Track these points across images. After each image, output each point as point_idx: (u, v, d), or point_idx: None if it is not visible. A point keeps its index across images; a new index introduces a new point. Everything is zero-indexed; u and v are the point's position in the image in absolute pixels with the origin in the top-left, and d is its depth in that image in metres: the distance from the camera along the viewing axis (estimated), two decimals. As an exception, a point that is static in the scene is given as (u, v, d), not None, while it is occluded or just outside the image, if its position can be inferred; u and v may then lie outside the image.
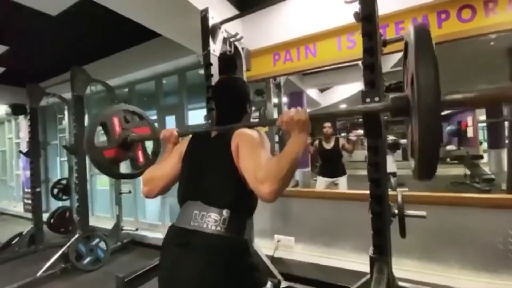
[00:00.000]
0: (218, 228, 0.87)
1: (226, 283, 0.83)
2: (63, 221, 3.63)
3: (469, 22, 1.77)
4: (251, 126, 1.01)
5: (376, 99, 1.18)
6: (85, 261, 2.63)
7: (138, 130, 1.63)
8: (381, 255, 1.22)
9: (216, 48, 1.86)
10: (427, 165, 0.69)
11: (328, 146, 3.27)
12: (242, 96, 1.11)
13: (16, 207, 5.30)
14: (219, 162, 0.95)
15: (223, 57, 2.08)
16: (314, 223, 2.35)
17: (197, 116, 3.29)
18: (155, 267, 1.32)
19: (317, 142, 3.39)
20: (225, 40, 2.01)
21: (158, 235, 3.14)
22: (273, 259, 2.31)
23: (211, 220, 0.88)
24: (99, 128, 1.52)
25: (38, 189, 3.30)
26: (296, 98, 5.25)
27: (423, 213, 1.49)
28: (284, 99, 5.48)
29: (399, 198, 1.43)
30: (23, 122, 4.95)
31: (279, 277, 2.05)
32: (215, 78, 1.84)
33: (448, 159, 7.96)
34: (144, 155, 1.70)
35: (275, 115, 2.99)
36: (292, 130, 0.87)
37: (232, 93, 1.11)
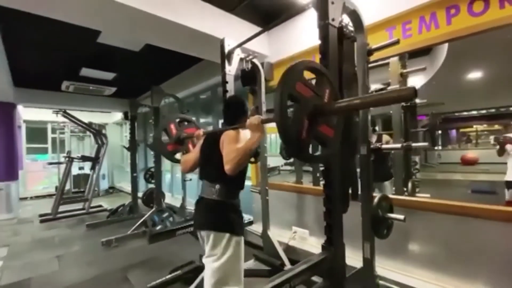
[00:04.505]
0: (214, 196, 1.43)
1: (212, 218, 1.42)
2: (152, 198, 4.85)
3: (482, 15, 1.61)
4: (236, 128, 1.45)
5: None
6: (157, 228, 3.59)
7: (187, 130, 2.23)
8: (330, 246, 1.41)
9: (231, 69, 2.30)
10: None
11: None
12: (237, 109, 1.60)
13: (129, 187, 7.24)
14: (213, 153, 1.43)
15: (242, 74, 2.54)
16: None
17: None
18: (172, 231, 1.93)
19: None
20: (242, 60, 2.43)
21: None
22: (287, 247, 2.62)
23: (209, 190, 1.45)
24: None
25: (135, 174, 4.59)
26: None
27: (401, 216, 1.58)
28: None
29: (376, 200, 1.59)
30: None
31: (286, 261, 2.36)
32: (230, 93, 2.30)
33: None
34: (193, 146, 2.21)
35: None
36: (251, 130, 1.30)
37: (230, 107, 1.62)
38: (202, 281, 2.03)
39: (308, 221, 2.69)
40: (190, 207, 4.28)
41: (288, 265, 2.32)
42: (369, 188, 1.66)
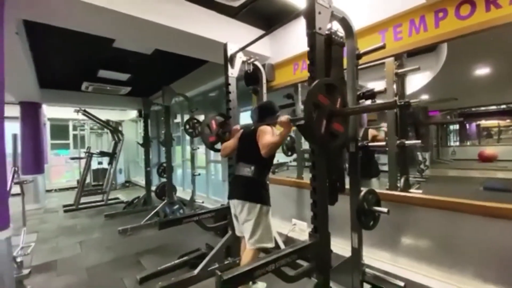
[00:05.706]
0: (249, 174, 1.89)
1: (248, 191, 1.88)
2: (164, 191, 5.13)
3: (468, 18, 1.69)
4: (268, 124, 1.90)
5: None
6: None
7: None
8: (315, 233, 1.56)
9: (234, 71, 2.47)
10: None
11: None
12: (266, 111, 2.05)
13: (143, 181, 7.61)
14: (250, 142, 1.88)
15: (245, 75, 2.70)
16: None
17: (245, 116, 4.01)
18: (178, 219, 2.16)
19: None
20: (244, 62, 2.59)
21: (217, 205, 4.08)
22: (287, 238, 2.79)
23: (245, 170, 1.92)
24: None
25: (148, 169, 4.89)
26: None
27: (385, 209, 1.71)
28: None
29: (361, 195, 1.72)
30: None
31: (282, 245, 2.52)
32: (233, 94, 2.47)
33: None
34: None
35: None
36: (282, 126, 1.68)
37: (262, 111, 2.07)
38: (206, 265, 2.26)
39: (307, 214, 2.83)
40: (199, 200, 4.53)
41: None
42: (356, 183, 1.79)
